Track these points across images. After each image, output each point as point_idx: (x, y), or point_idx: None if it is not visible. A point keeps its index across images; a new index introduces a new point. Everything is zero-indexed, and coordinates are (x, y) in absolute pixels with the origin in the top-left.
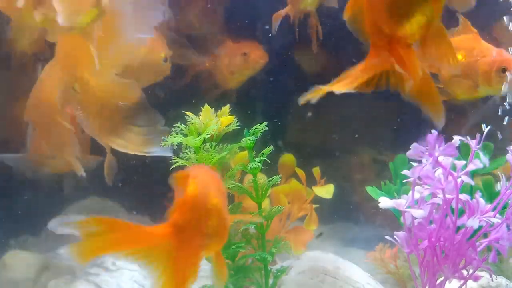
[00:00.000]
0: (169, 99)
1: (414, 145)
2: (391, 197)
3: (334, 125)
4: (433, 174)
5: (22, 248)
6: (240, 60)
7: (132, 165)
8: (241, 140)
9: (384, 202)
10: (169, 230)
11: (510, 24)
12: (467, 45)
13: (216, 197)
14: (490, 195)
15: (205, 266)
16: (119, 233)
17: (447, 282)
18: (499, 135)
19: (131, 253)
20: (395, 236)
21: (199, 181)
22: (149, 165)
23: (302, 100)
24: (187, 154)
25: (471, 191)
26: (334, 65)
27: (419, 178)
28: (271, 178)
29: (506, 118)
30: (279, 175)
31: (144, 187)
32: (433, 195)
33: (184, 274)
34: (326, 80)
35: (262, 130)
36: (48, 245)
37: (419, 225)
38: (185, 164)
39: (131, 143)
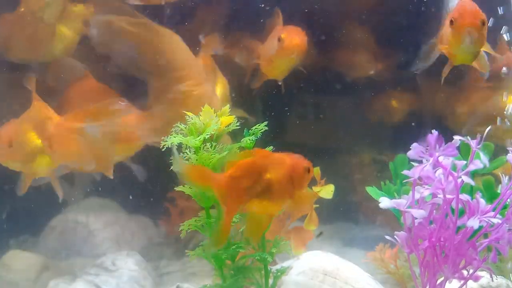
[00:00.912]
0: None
1: (414, 145)
2: (391, 197)
3: (334, 125)
4: (433, 174)
5: (22, 248)
6: (275, 46)
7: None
8: (241, 140)
9: (384, 202)
10: (224, 178)
11: None
12: None
13: (272, 174)
14: (491, 195)
15: (204, 267)
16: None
17: (447, 282)
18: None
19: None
20: (395, 236)
21: (261, 157)
22: (149, 165)
23: None
24: (187, 154)
25: (471, 191)
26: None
27: (419, 178)
28: None
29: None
30: None
31: (144, 187)
32: (433, 195)
33: (228, 214)
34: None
35: (262, 130)
36: (48, 245)
37: (419, 225)
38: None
39: None
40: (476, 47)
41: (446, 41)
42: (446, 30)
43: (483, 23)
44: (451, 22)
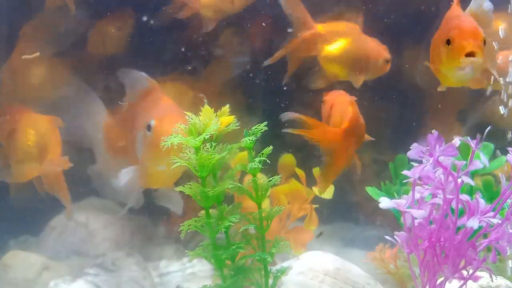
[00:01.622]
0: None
1: (414, 145)
2: (391, 197)
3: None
4: (433, 175)
5: (22, 248)
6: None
7: None
8: (241, 140)
9: (384, 202)
10: (340, 131)
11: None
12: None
13: (360, 119)
14: (490, 195)
15: (205, 267)
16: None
17: (447, 282)
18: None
19: (319, 140)
20: (395, 236)
21: (355, 106)
22: None
23: None
24: (187, 154)
25: (471, 191)
26: None
27: (419, 178)
28: (271, 178)
29: None
30: (279, 175)
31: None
32: (433, 195)
33: (342, 160)
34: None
35: (262, 130)
36: (48, 245)
37: (419, 225)
38: (185, 164)
39: None
40: (476, 72)
41: (438, 60)
42: (439, 47)
43: (484, 43)
44: (448, 41)
